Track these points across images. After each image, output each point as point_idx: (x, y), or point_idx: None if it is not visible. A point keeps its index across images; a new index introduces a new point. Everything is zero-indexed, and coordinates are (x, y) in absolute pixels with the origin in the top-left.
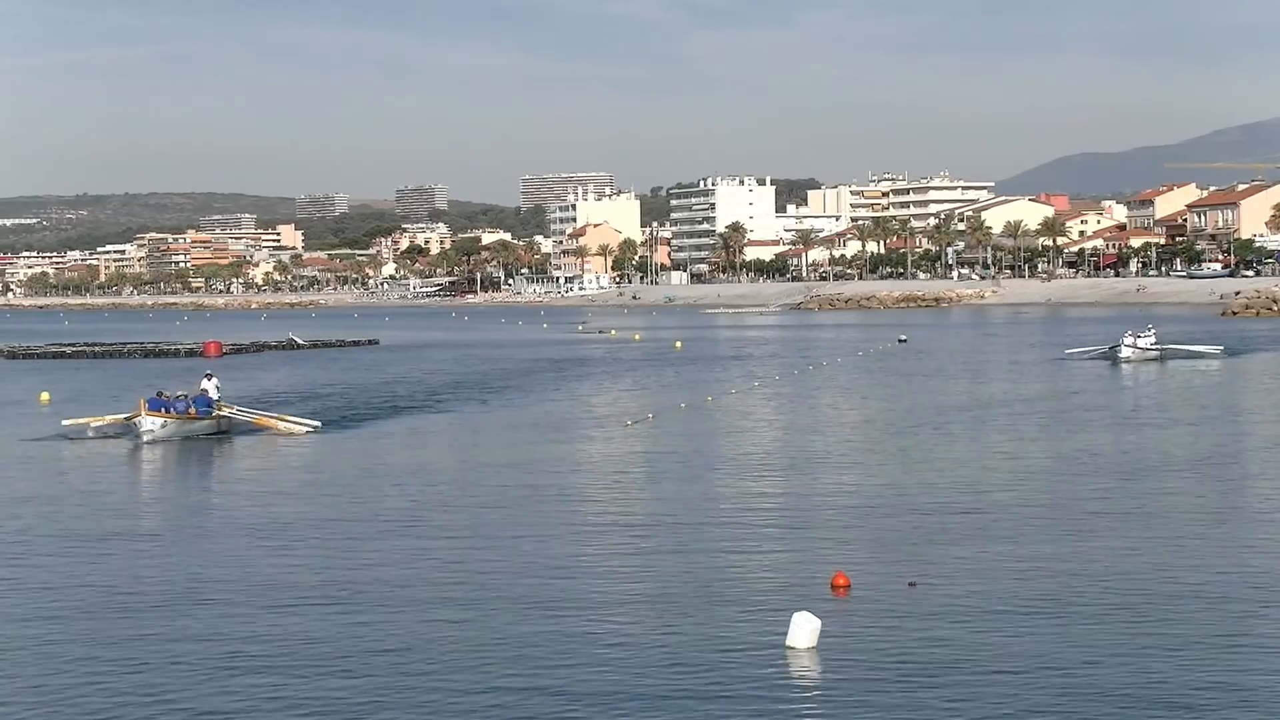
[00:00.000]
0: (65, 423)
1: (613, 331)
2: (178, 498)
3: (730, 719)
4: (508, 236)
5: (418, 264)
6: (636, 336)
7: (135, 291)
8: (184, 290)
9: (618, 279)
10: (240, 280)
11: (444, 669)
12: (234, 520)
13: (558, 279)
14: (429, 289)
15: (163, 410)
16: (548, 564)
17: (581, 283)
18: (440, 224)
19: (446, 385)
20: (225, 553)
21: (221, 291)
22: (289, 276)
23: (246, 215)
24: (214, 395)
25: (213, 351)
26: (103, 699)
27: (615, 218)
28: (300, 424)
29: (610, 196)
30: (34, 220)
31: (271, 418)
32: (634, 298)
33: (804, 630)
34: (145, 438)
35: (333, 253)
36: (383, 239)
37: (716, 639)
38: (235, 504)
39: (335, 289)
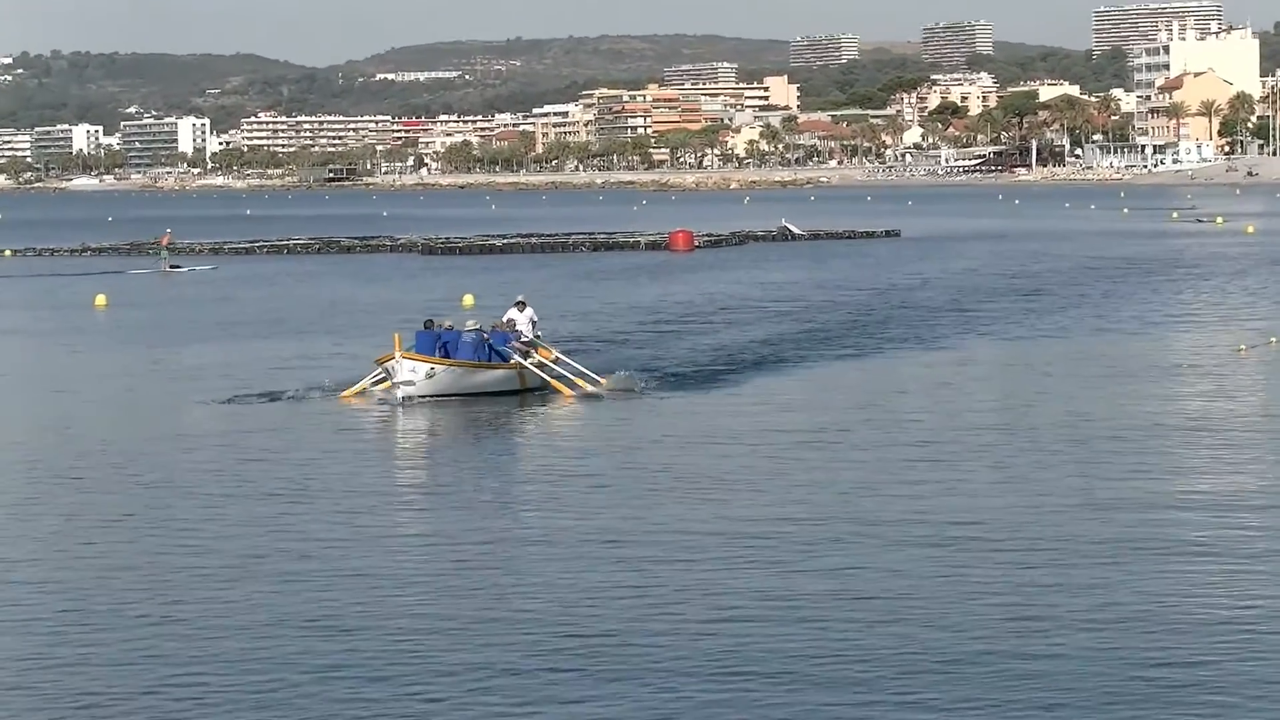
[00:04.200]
0: (342, 395)
1: (1218, 220)
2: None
3: None
4: (1075, 90)
5: (951, 128)
6: (1249, 228)
7: (580, 166)
8: (643, 165)
9: (1226, 148)
10: (716, 151)
11: (1018, 631)
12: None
13: (1142, 148)
14: (966, 162)
15: (435, 351)
16: (1128, 520)
17: (1175, 153)
18: (982, 74)
19: (985, 291)
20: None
21: (691, 166)
22: (780, 146)
23: (724, 65)
24: (525, 333)
25: (682, 243)
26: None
27: (1223, 64)
28: (594, 382)
29: (1217, 35)
30: (454, 74)
31: (579, 380)
32: (1249, 174)
33: None
34: (401, 392)
35: (838, 114)
36: (905, 95)
37: None
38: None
39: (841, 162)
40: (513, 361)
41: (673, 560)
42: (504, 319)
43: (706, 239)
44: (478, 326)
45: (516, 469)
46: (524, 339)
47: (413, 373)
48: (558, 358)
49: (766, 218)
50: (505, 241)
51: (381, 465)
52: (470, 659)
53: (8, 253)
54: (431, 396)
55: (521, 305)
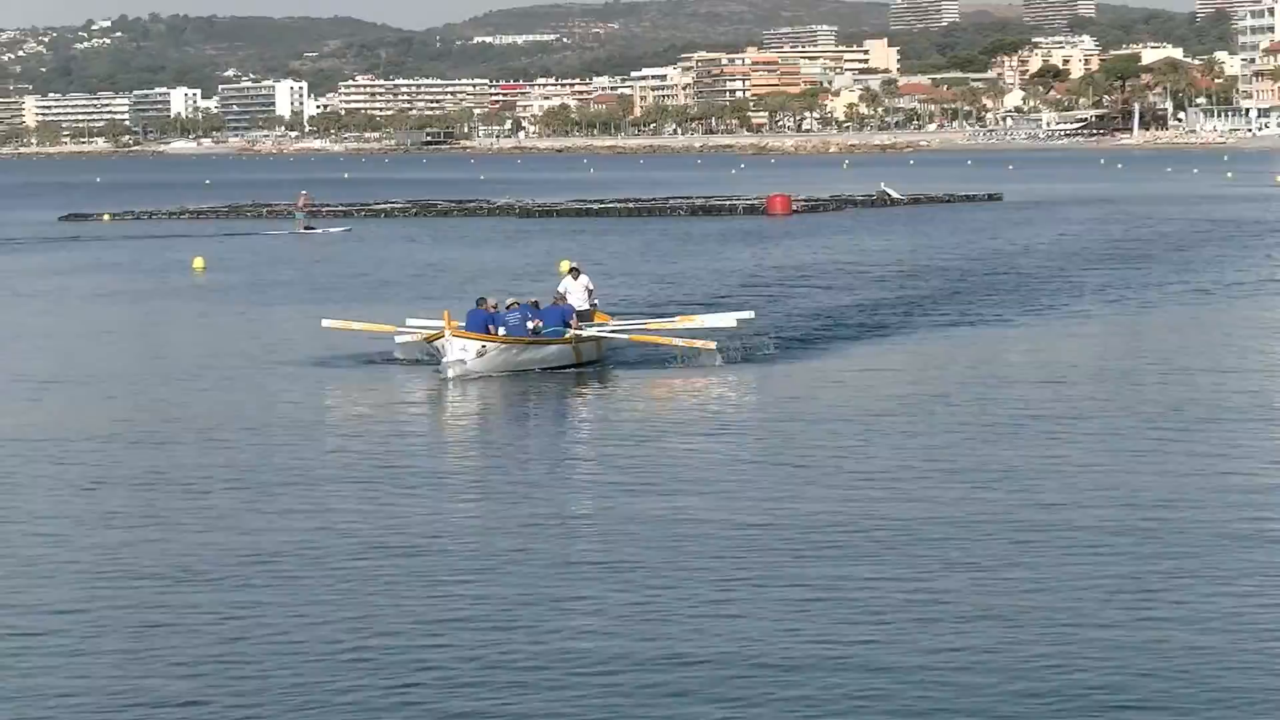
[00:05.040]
0: (326, 323)
1: None
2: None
3: None
4: (1178, 53)
5: (1053, 92)
6: None
7: (679, 129)
8: (741, 128)
9: None
10: (815, 115)
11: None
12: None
13: (1246, 112)
14: (1068, 126)
15: (486, 328)
16: (1233, 504)
17: None
18: (1084, 37)
19: (1089, 256)
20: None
21: (790, 130)
22: (879, 110)
23: (824, 28)
24: (579, 303)
25: (779, 208)
26: None
27: None
28: (705, 344)
29: None
30: (552, 36)
31: (673, 334)
32: None
33: None
34: (451, 371)
35: (938, 77)
36: (1006, 58)
37: None
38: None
39: (941, 126)
40: (568, 335)
41: (758, 545)
42: (559, 291)
43: (805, 203)
44: (516, 304)
45: (593, 446)
46: (575, 310)
47: (463, 351)
48: (614, 327)
49: (865, 181)
50: (602, 205)
51: (446, 444)
52: (540, 649)
53: (106, 217)
54: (483, 375)
55: (576, 272)
